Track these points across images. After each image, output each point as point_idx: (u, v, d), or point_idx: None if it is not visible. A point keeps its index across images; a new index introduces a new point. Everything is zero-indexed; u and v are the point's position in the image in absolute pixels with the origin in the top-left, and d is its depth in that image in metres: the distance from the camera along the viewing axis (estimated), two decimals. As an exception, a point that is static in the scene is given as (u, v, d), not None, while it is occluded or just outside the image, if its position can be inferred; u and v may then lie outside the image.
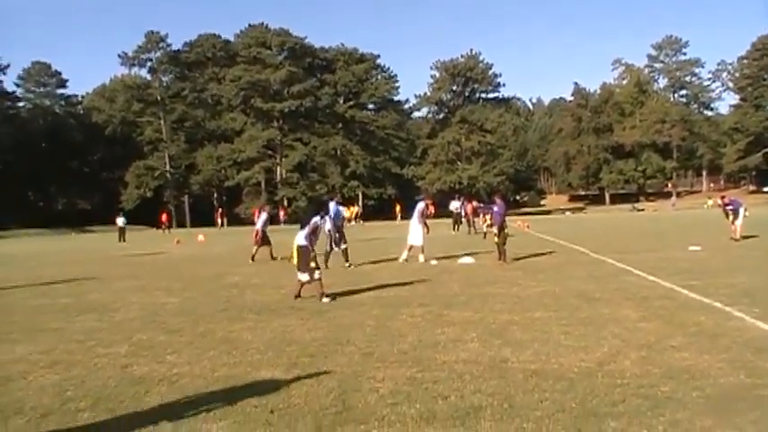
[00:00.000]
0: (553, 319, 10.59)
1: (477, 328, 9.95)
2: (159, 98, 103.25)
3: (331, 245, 20.79)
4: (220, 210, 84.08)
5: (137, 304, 14.16)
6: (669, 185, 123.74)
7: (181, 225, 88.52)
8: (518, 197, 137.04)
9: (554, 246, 27.05)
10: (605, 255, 21.15)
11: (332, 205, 21.28)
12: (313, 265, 13.43)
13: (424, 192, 25.04)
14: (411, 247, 21.89)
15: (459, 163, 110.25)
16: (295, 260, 13.72)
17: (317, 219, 14.31)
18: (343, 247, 20.83)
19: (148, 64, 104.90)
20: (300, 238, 13.71)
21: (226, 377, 7.65)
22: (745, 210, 25.41)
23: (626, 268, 17.43)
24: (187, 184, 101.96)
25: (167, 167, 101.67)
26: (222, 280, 18.26)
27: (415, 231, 22.04)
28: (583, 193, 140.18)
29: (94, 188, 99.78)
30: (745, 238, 24.65)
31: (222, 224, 77.12)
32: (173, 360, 8.64)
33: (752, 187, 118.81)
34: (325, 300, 13.15)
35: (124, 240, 47.25)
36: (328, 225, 20.18)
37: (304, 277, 13.45)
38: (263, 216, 25.65)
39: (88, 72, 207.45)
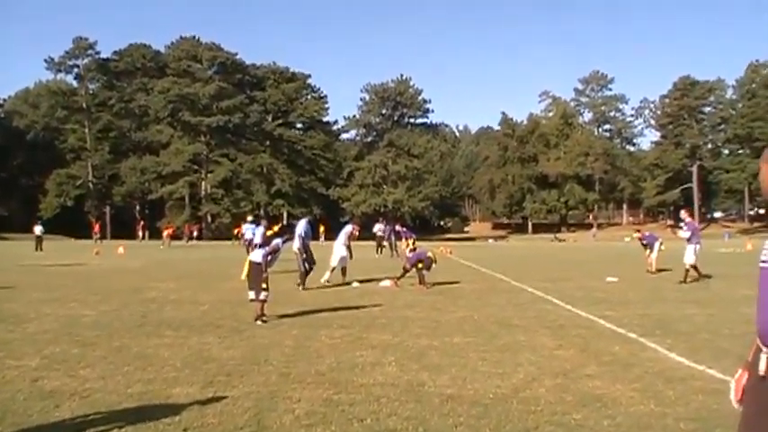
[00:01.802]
0: (471, 344, 10.66)
1: (396, 352, 9.97)
2: (85, 106, 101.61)
3: (304, 265, 20.16)
4: (142, 222, 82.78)
5: (51, 316, 13.81)
6: (590, 217, 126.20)
7: (102, 237, 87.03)
8: (442, 223, 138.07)
9: (475, 272, 27.30)
10: (525, 283, 21.40)
11: (303, 223, 21.16)
12: (264, 285, 12.98)
13: (352, 216, 25.09)
14: (333, 269, 21.77)
15: (384, 186, 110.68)
16: (244, 275, 13.40)
17: (278, 241, 14.25)
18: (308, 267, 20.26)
19: (75, 70, 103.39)
20: (257, 254, 13.57)
21: (140, 393, 7.50)
22: (661, 244, 25.81)
23: (545, 297, 17.66)
24: (109, 194, 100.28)
25: (90, 177, 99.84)
26: (141, 294, 17.96)
27: (337, 252, 21.95)
28: (506, 221, 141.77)
29: (12, 194, 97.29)
30: (660, 270, 25.15)
31: (143, 237, 75.94)
32: (85, 374, 8.43)
33: (669, 222, 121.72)
34: (259, 323, 12.63)
35: (41, 249, 46.24)
36: (297, 244, 20.00)
37: (251, 294, 13.00)
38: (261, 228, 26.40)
39: (10, 75, 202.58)
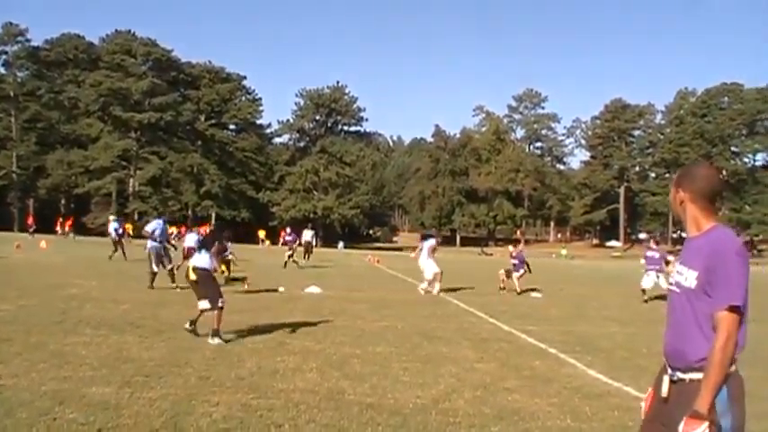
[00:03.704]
0: (393, 354, 10.68)
1: (318, 359, 9.94)
2: (12, 94, 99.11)
3: (164, 264, 19.86)
4: (63, 218, 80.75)
5: (-35, 309, 13.48)
6: (518, 233, 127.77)
7: (22, 230, 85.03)
8: (371, 232, 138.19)
9: (402, 283, 27.39)
10: (450, 295, 21.54)
11: (158, 222, 20.90)
12: (220, 291, 11.93)
13: (435, 231, 24.79)
14: (431, 281, 22.36)
15: (315, 192, 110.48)
16: (191, 279, 11.92)
17: (223, 241, 13.54)
18: (170, 267, 19.95)
19: (3, 57, 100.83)
20: (201, 260, 11.94)
21: (54, 392, 7.33)
22: (528, 267, 24.81)
23: (469, 309, 17.79)
24: (34, 187, 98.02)
25: (14, 168, 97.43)
26: (61, 290, 17.59)
27: (428, 266, 22.55)
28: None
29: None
30: (524, 291, 25.47)
31: (66, 233, 74.27)
32: (-2, 370, 8.24)
33: (595, 241, 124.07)
34: (217, 341, 10.98)
35: None
36: (151, 243, 19.84)
37: (204, 304, 11.57)
38: (192, 235, 25.44)
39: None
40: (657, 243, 26.22)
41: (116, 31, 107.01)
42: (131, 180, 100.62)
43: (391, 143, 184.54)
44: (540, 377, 9.47)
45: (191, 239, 22.80)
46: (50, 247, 41.75)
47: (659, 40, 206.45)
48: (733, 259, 3.29)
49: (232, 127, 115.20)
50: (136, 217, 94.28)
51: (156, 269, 19.55)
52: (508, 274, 24.37)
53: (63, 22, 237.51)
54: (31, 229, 64.84)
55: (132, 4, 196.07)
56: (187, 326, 11.41)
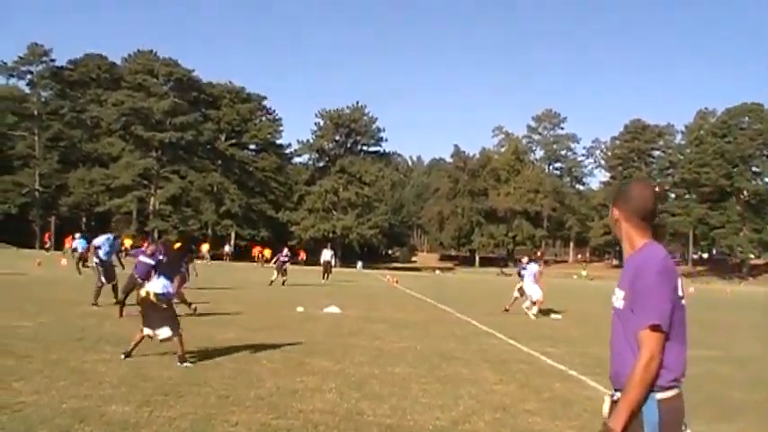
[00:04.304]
0: (413, 375, 10.65)
1: (337, 379, 9.92)
2: (36, 113, 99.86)
3: (100, 280, 19.33)
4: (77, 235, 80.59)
5: (-14, 326, 13.55)
6: (538, 253, 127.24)
7: (44, 247, 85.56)
8: (390, 252, 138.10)
9: (421, 303, 27.35)
10: (470, 316, 21.49)
11: (106, 238, 20.57)
12: (177, 319, 11.42)
13: (537, 255, 24.41)
14: (535, 302, 22.74)
15: (334, 212, 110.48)
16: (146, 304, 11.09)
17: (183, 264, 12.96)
18: (113, 282, 19.46)
19: (28, 77, 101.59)
20: (159, 284, 11.17)
21: (74, 410, 7.35)
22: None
23: (488, 331, 17.73)
24: (56, 205, 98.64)
25: (37, 185, 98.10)
26: (81, 307, 17.67)
27: (533, 290, 23.08)
28: (454, 253, 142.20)
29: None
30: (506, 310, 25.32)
31: (45, 247, 74.32)
32: (19, 387, 8.25)
33: (615, 261, 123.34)
34: (186, 365, 10.58)
35: None
36: (102, 256, 19.64)
37: (165, 333, 10.82)
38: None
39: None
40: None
41: (138, 51, 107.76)
42: (152, 199, 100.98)
43: (410, 163, 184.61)
44: (560, 399, 9.42)
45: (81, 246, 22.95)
46: (71, 265, 41.96)
47: (679, 59, 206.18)
48: (652, 278, 3.29)
49: (252, 147, 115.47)
50: (156, 235, 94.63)
51: (101, 283, 19.21)
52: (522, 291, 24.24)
53: (86, 43, 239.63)
54: (47, 246, 65.19)
55: (154, 25, 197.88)
56: (186, 364, 10.65)
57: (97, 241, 20.36)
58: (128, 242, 70.54)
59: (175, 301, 11.83)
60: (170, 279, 11.35)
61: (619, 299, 3.43)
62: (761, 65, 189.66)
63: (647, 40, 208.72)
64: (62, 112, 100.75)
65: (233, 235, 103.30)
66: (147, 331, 10.91)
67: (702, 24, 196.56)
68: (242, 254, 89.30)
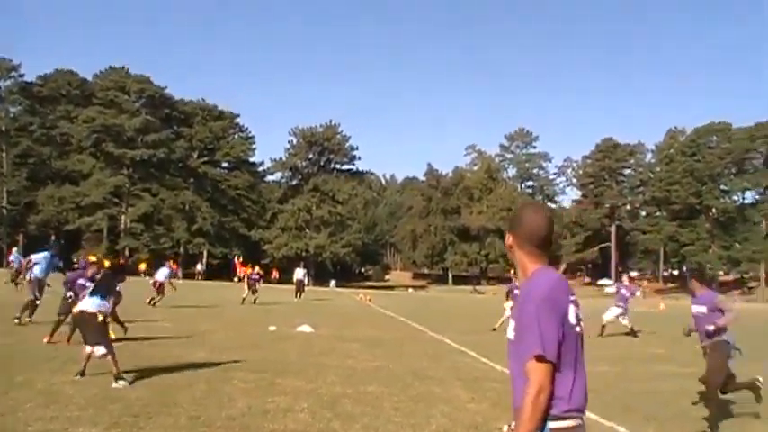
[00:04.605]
0: (385, 394, 10.61)
1: (309, 399, 9.86)
2: (4, 129, 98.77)
3: (35, 294, 18.90)
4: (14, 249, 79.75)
5: (-47, 346, 13.36)
6: (511, 271, 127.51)
7: (10, 266, 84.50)
8: (363, 270, 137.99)
9: (394, 321, 27.30)
10: (443, 334, 21.46)
11: (42, 255, 19.94)
12: (112, 336, 11.57)
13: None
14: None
15: (307, 231, 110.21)
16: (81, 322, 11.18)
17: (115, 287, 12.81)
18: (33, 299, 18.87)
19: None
20: (92, 303, 11.10)
21: (40, 432, 7.26)
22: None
23: (461, 349, 17.72)
24: (24, 222, 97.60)
25: (4, 203, 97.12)
26: (48, 328, 17.45)
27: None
28: (427, 271, 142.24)
29: None
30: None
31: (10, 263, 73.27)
32: (-17, 409, 8.14)
33: (587, 279, 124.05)
34: (121, 383, 10.38)
35: None
36: (38, 273, 19.13)
37: (100, 350, 10.73)
38: (165, 269, 29.32)
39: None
40: (632, 280, 26.55)
41: (110, 67, 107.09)
42: (123, 217, 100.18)
43: (384, 182, 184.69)
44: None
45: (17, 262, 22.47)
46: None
47: (650, 79, 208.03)
48: (532, 306, 3.19)
49: (225, 164, 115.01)
50: (127, 254, 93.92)
51: (34, 297, 18.86)
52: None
53: (57, 59, 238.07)
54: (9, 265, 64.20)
55: (126, 42, 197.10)
56: (120, 382, 10.45)
57: (35, 257, 19.89)
58: (92, 259, 69.42)
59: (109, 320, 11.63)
60: (103, 298, 11.25)
61: (510, 329, 3.32)
62: (730, 84, 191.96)
63: (619, 60, 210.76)
64: (31, 128, 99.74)
65: (205, 253, 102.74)
66: (87, 348, 10.88)
67: (673, 44, 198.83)
68: (215, 272, 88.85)
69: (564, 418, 3.14)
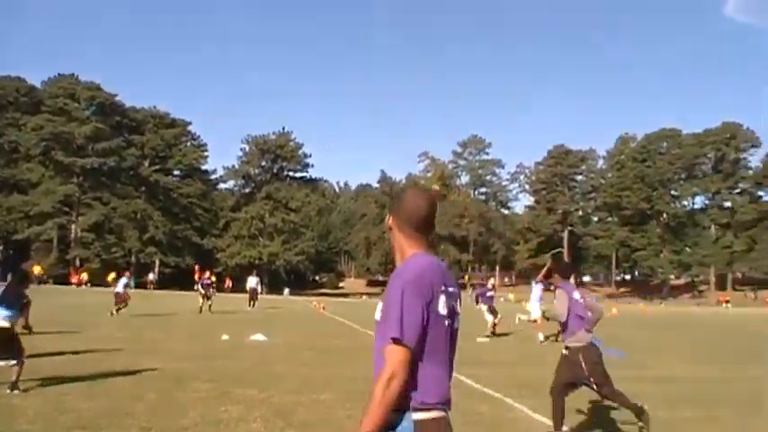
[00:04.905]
0: (338, 401, 10.58)
1: (262, 407, 9.81)
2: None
3: None
4: None
5: None
6: (465, 278, 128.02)
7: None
8: (317, 278, 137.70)
9: (347, 329, 27.26)
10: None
11: None
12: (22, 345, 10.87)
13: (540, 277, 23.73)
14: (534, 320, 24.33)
15: (260, 239, 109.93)
16: None
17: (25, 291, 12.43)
18: None
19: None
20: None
21: (-13, 445, 7.13)
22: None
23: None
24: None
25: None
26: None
27: (536, 306, 24.86)
28: (381, 278, 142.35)
29: None
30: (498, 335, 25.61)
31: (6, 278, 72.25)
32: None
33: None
34: (16, 392, 10.22)
35: None
36: None
37: (11, 362, 10.47)
38: (124, 279, 31.00)
39: None
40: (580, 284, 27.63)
41: (59, 74, 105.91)
42: (73, 226, 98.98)
43: (337, 189, 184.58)
44: (487, 422, 9.46)
45: None
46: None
47: (600, 86, 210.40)
48: (398, 289, 3.04)
49: (177, 173, 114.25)
50: (77, 264, 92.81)
51: None
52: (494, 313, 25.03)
53: (3, 65, 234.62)
54: None
55: (76, 48, 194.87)
56: (15, 391, 10.26)
57: None
58: (37, 269, 68.98)
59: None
60: (10, 308, 10.79)
61: (378, 310, 3.18)
62: (679, 91, 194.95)
63: (569, 67, 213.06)
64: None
65: (157, 262, 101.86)
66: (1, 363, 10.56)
67: (625, 49, 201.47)
68: (167, 281, 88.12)
69: (428, 410, 3.05)
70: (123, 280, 31.00)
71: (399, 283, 3.06)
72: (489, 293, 25.61)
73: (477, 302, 24.96)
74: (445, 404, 3.15)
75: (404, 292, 3.03)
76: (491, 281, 27.45)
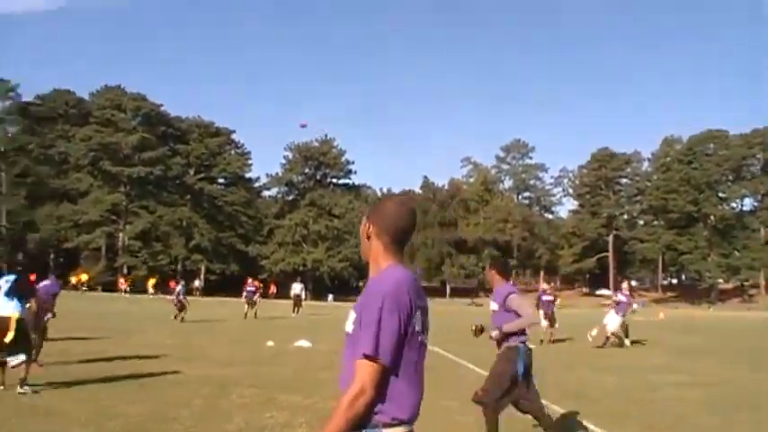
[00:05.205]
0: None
1: (307, 414, 9.92)
2: (2, 149, 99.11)
3: None
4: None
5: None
6: (624, 285, 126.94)
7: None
8: (361, 284, 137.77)
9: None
10: (439, 346, 21.48)
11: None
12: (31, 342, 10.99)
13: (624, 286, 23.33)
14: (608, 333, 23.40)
15: (304, 245, 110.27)
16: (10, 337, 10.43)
17: (49, 284, 12.28)
18: None
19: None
20: (12, 307, 10.66)
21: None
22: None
23: (457, 360, 17.74)
24: (23, 241, 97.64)
25: (3, 222, 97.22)
26: (53, 345, 17.51)
27: (614, 318, 23.75)
28: (424, 284, 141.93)
29: None
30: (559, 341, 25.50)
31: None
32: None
33: (585, 289, 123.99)
34: (26, 389, 10.51)
35: None
36: None
37: (21, 358, 10.47)
38: (180, 287, 32.30)
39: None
40: (632, 289, 26.77)
41: (106, 86, 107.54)
42: (121, 234, 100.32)
43: (380, 195, 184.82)
44: (531, 429, 9.48)
45: None
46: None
47: (645, 87, 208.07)
48: (377, 303, 2.95)
49: (221, 181, 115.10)
50: (125, 271, 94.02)
51: None
52: (550, 320, 24.85)
53: (53, 78, 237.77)
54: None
55: (122, 60, 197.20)
56: (25, 388, 10.49)
57: None
58: (84, 277, 70.24)
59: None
60: (20, 300, 10.84)
61: (350, 322, 3.12)
62: (725, 91, 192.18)
63: (613, 69, 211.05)
64: (29, 147, 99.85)
65: (203, 269, 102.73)
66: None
67: (668, 51, 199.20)
68: (213, 288, 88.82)
69: (394, 426, 3.00)
70: (180, 287, 32.38)
71: (377, 296, 2.99)
72: (545, 297, 25.32)
73: (538, 307, 24.62)
74: (411, 423, 3.10)
75: (382, 306, 2.95)
76: (545, 284, 26.84)
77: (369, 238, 3.30)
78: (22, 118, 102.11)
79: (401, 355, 3.00)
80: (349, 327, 3.12)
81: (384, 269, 3.17)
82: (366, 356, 2.90)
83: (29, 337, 10.92)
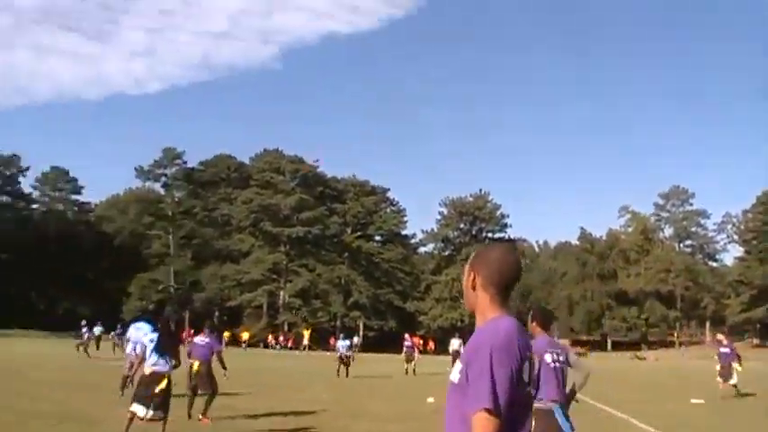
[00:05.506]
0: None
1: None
2: (170, 213, 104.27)
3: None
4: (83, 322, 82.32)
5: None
6: (674, 335, 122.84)
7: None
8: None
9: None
10: (603, 402, 20.92)
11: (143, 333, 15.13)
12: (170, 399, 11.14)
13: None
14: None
15: (462, 301, 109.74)
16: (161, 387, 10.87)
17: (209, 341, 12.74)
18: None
19: (162, 179, 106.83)
20: (163, 364, 11.13)
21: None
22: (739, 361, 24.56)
23: (623, 417, 17.22)
24: (190, 300, 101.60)
25: (171, 282, 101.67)
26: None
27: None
28: (585, 337, 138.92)
29: (98, 296, 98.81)
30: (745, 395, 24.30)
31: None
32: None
33: (755, 341, 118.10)
34: None
35: (98, 348, 46.84)
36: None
37: (158, 413, 10.79)
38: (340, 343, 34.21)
39: (103, 181, 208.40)
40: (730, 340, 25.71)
41: (264, 150, 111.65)
42: (281, 292, 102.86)
43: (537, 248, 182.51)
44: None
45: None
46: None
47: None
48: (487, 354, 2.89)
49: (378, 238, 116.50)
50: (286, 328, 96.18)
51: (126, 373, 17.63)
52: (724, 376, 23.90)
53: (215, 145, 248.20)
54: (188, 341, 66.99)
55: (279, 125, 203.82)
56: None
57: (134, 335, 17.47)
58: (245, 335, 72.56)
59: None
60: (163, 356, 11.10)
61: (455, 372, 3.07)
62: None
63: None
64: (194, 211, 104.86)
65: (361, 326, 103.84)
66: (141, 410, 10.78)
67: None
68: (371, 344, 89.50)
69: None
70: (344, 343, 33.76)
71: (487, 348, 2.93)
72: (723, 350, 24.42)
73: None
74: None
75: (492, 358, 2.90)
76: (722, 336, 25.97)
77: (474, 288, 3.28)
78: (187, 183, 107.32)
79: (512, 410, 2.90)
80: (455, 376, 3.07)
81: (490, 320, 3.13)
82: (484, 410, 2.82)
83: (170, 393, 11.10)
